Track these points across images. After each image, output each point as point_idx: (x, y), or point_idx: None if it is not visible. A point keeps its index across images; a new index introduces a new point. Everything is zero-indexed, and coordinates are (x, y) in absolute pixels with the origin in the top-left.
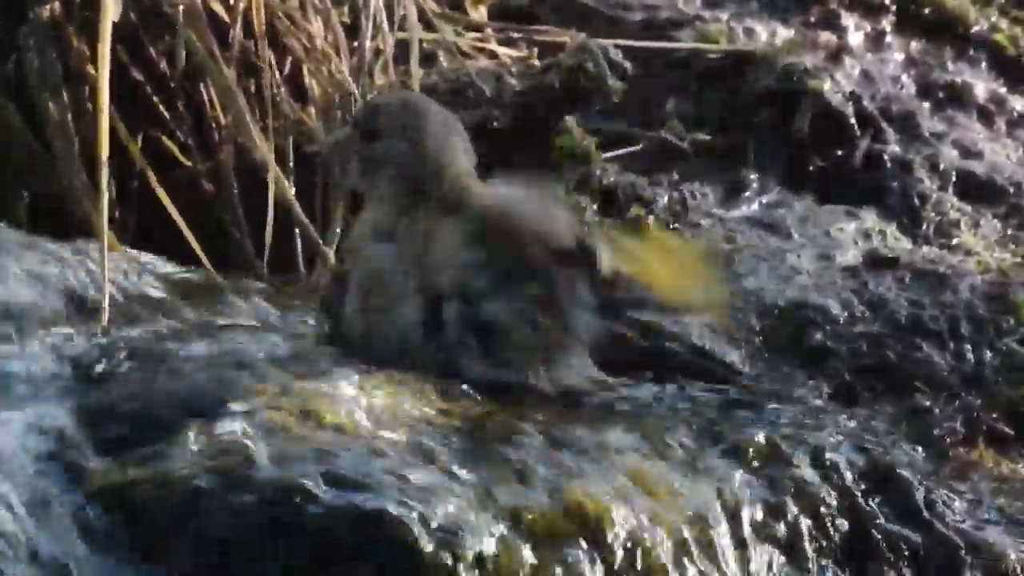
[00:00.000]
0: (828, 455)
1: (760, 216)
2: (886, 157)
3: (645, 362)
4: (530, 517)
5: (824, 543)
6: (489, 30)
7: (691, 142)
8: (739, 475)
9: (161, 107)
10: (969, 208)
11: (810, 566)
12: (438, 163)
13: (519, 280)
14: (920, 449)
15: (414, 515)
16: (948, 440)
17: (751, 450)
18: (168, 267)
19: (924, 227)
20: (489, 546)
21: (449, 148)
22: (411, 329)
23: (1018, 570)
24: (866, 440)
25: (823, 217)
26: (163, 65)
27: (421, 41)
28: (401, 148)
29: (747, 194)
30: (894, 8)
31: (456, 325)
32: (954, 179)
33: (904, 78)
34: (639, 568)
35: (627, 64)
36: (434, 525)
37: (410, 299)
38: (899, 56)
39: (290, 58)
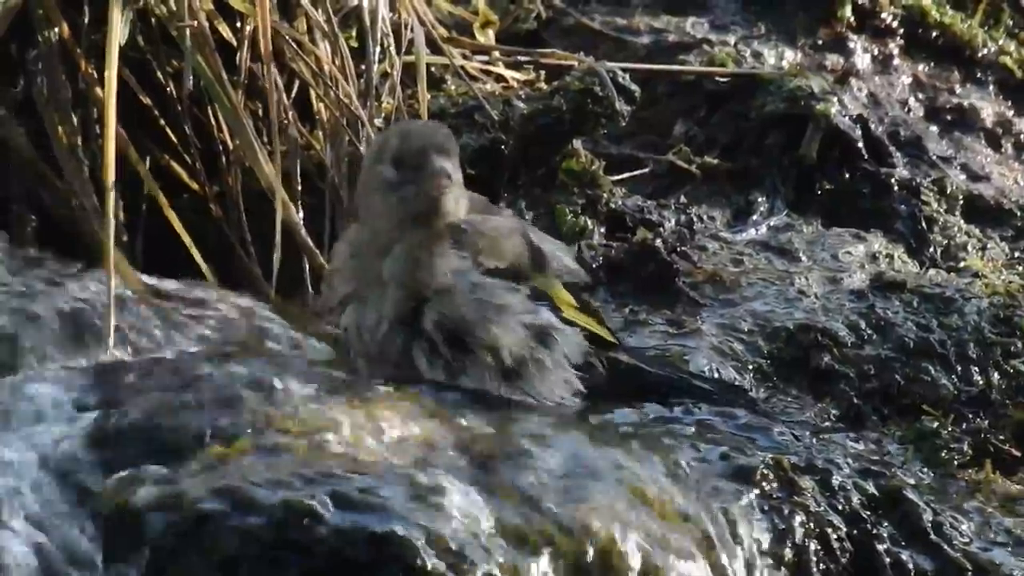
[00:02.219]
0: (836, 477)
1: (768, 239)
2: (894, 180)
3: (653, 385)
4: (538, 539)
5: (831, 565)
6: (496, 54)
7: (699, 165)
8: (747, 497)
9: (168, 130)
10: (976, 231)
11: None
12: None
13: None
14: (927, 471)
15: (422, 537)
16: (955, 462)
17: (759, 472)
18: (176, 289)
19: (931, 250)
20: (496, 568)
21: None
22: (384, 328)
23: None
24: (874, 462)
25: (831, 240)
26: (171, 89)
27: (429, 65)
28: (458, 173)
29: (755, 217)
30: (902, 31)
31: (431, 330)
32: (961, 202)
33: (912, 101)
34: None
35: (635, 88)
36: (442, 547)
37: (390, 300)
38: (907, 79)
39: (297, 82)
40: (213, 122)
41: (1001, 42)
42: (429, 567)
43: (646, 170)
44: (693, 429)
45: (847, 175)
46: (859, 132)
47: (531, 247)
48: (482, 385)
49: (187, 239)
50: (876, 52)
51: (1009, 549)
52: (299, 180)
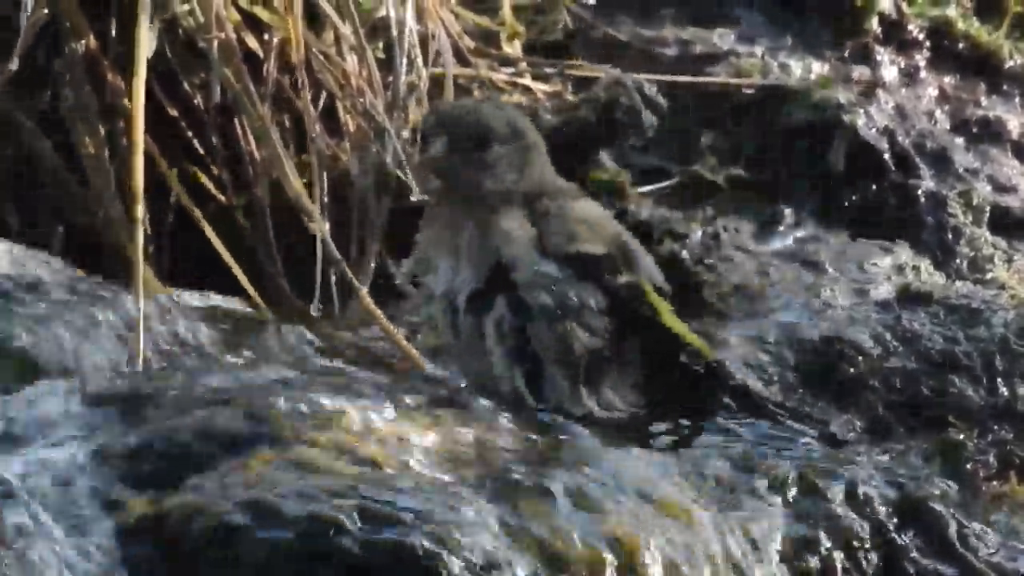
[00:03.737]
0: (861, 489)
1: (794, 250)
2: (920, 192)
3: (681, 394)
4: (564, 551)
5: None
6: (523, 65)
7: (725, 177)
8: (773, 508)
9: (196, 142)
10: (1003, 243)
11: None
12: (540, 163)
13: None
14: (953, 483)
15: (448, 549)
16: (981, 474)
17: (785, 483)
18: (203, 300)
19: (958, 262)
20: None
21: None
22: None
23: None
24: (899, 474)
25: (857, 252)
26: (198, 100)
27: (456, 76)
28: (515, 155)
29: (781, 228)
30: (928, 43)
31: (499, 336)
32: (988, 214)
33: (938, 113)
34: None
35: (661, 99)
36: (468, 560)
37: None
38: (933, 91)
39: (324, 93)
40: (240, 133)
41: None
42: None
43: (672, 181)
44: (719, 439)
45: (873, 187)
46: (885, 144)
47: (624, 243)
48: (553, 391)
49: (221, 248)
50: (902, 64)
51: None
52: (326, 191)
